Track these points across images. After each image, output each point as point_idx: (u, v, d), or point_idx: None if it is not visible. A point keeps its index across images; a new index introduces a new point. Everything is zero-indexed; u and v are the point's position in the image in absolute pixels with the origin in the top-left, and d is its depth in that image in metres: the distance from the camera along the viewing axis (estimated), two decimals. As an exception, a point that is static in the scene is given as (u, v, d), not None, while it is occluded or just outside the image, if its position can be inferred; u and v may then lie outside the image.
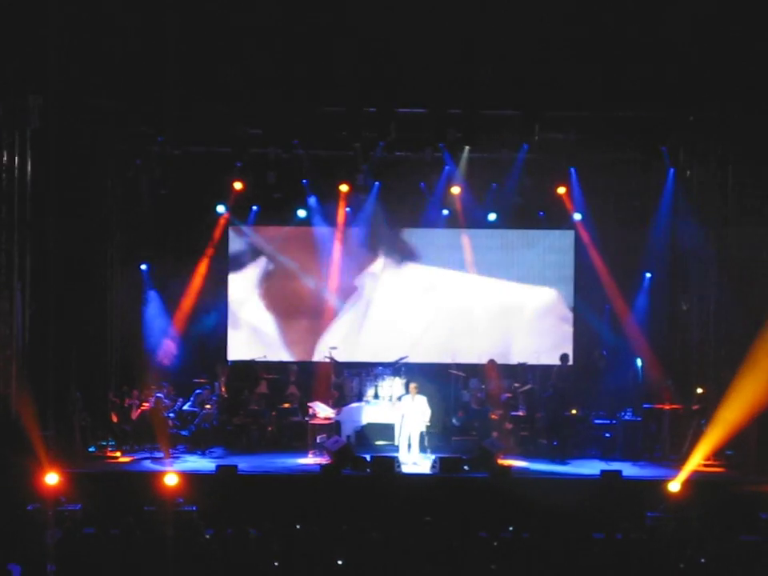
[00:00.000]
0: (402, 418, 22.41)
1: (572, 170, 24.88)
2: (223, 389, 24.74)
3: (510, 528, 16.70)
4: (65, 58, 20.20)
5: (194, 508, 18.60)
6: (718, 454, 21.62)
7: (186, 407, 23.77)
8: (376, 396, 24.48)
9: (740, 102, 21.57)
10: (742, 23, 20.47)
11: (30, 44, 20.13)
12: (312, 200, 25.89)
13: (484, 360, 24.98)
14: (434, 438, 23.17)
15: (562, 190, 25.28)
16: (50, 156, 20.45)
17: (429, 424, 22.50)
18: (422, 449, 22.34)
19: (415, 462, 21.76)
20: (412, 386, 22.93)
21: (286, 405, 24.44)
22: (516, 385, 24.73)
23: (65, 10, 19.35)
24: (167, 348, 25.44)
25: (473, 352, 25.89)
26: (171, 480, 19.02)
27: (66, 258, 21.73)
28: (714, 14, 20.25)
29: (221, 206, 25.66)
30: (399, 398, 23.53)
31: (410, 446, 22.20)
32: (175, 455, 22.43)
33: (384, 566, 14.90)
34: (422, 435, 22.44)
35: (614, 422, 23.40)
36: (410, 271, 26.71)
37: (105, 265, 24.49)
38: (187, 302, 25.73)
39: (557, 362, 25.00)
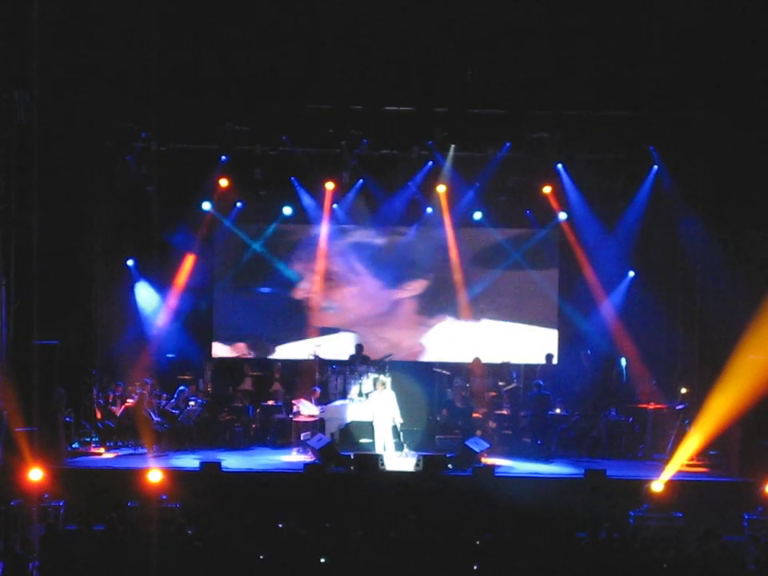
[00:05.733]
0: (374, 415, 22.36)
1: (560, 167, 24.78)
2: (208, 385, 24.72)
3: (494, 527, 16.69)
4: (50, 54, 20.17)
5: (178, 505, 18.59)
6: (701, 454, 21.66)
7: (170, 404, 23.70)
8: (360, 394, 24.42)
9: (727, 104, 21.68)
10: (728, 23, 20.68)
11: (15, 40, 20.10)
12: (305, 196, 25.78)
13: (469, 358, 24.97)
14: (418, 436, 23.09)
15: (547, 189, 25.23)
16: (34, 152, 20.40)
17: (402, 421, 22.30)
18: (398, 446, 22.16)
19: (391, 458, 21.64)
20: (379, 381, 22.79)
21: (271, 402, 24.41)
22: (500, 383, 24.74)
23: (50, 6, 19.32)
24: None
25: (457, 350, 25.88)
26: (155, 477, 19.00)
27: (50, 254, 21.63)
28: (699, 15, 20.42)
29: (206, 203, 25.56)
30: (367, 395, 23.38)
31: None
32: (159, 452, 22.39)
33: (367, 564, 14.91)
34: (396, 431, 22.22)
35: (599, 421, 23.43)
36: (393, 269, 26.61)
37: (90, 260, 24.39)
38: (172, 298, 25.67)
39: (542, 361, 25.07)
